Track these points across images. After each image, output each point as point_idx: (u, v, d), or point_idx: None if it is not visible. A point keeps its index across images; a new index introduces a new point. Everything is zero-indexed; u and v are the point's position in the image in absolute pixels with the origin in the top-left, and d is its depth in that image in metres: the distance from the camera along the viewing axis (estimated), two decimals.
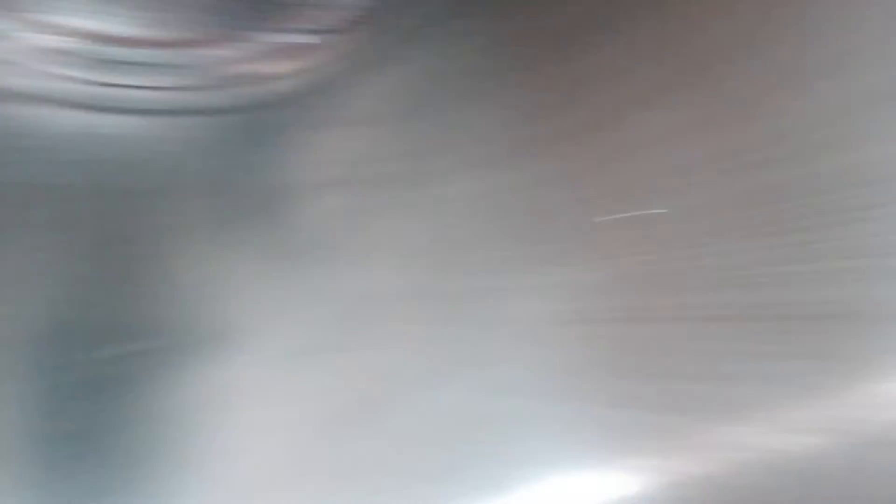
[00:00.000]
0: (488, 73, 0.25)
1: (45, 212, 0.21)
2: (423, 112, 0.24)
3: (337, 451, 0.22)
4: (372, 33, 0.24)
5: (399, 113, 0.24)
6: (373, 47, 0.24)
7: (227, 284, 0.22)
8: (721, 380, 0.24)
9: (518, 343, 0.24)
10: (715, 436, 0.23)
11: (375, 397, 0.23)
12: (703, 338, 0.24)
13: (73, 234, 0.21)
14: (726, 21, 0.25)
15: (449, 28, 0.25)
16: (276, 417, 0.22)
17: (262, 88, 0.23)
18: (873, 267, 0.24)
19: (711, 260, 0.24)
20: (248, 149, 0.23)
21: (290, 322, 0.22)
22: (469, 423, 0.23)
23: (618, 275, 0.24)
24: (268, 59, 0.23)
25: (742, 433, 0.23)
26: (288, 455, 0.22)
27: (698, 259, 0.24)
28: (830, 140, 0.24)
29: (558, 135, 0.25)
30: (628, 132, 0.24)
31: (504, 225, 0.24)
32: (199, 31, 0.23)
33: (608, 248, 0.24)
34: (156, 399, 0.21)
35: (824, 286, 0.24)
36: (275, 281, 0.23)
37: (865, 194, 0.24)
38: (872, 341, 0.24)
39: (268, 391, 0.22)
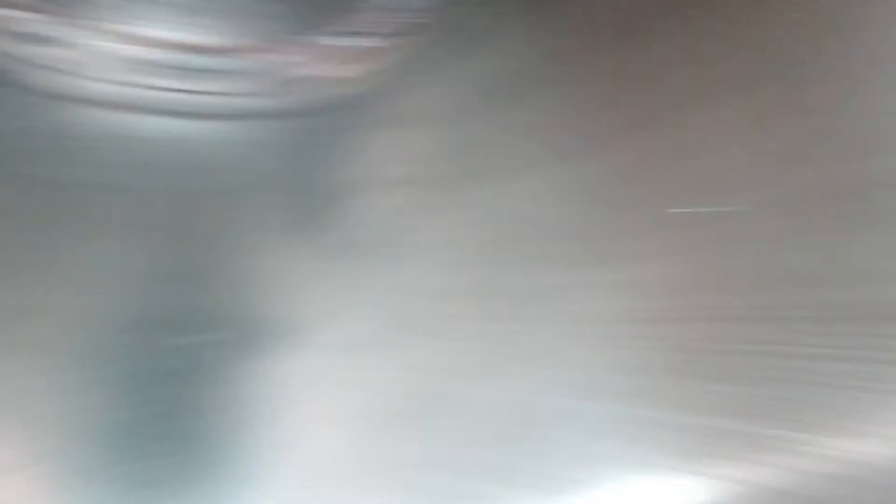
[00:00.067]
0: (557, 66, 0.24)
1: (128, 211, 0.23)
2: (487, 109, 0.24)
3: (397, 445, 0.23)
4: (436, 34, 0.24)
5: (463, 111, 0.24)
6: (437, 48, 0.24)
7: (294, 279, 0.23)
8: (797, 384, 0.22)
9: (584, 342, 0.23)
10: (790, 443, 0.22)
11: (438, 392, 0.23)
12: (778, 340, 0.22)
13: (153, 231, 0.23)
14: (809, 8, 0.23)
15: (516, 24, 0.24)
16: (340, 408, 0.23)
17: (329, 91, 0.24)
18: None
19: (801, 258, 0.23)
20: (315, 150, 0.24)
21: (353, 316, 0.23)
22: (530, 422, 0.23)
23: (692, 272, 0.23)
24: (335, 63, 0.24)
25: (819, 442, 0.22)
26: (350, 446, 0.23)
27: (781, 256, 0.23)
28: None
29: (630, 126, 0.24)
30: (699, 124, 0.23)
31: (570, 220, 0.24)
32: (267, 39, 0.24)
33: (682, 244, 0.23)
34: (227, 387, 0.22)
35: None
36: (339, 276, 0.23)
37: None
38: None
39: (331, 383, 0.23)
